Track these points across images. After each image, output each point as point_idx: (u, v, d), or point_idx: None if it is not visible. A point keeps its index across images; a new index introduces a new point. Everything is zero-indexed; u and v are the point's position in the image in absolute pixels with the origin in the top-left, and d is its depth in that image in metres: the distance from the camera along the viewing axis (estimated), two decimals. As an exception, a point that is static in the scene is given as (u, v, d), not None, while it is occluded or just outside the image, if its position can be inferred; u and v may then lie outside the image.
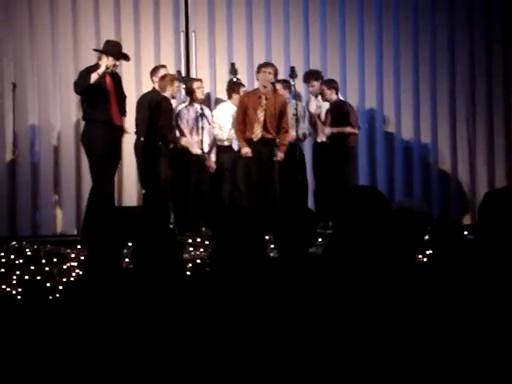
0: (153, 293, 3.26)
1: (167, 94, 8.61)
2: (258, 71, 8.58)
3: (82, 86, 8.12)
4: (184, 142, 8.77)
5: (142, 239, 3.45)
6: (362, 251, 2.59)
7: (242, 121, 8.49)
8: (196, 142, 8.80)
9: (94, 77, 8.10)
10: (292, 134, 8.71)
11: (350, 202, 2.67)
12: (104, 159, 8.20)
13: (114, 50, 8.33)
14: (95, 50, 8.59)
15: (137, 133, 8.87)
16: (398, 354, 2.48)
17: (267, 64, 8.67)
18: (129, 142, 9.29)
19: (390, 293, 2.55)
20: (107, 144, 8.22)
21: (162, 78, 8.71)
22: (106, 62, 8.17)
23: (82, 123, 8.53)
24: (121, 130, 8.52)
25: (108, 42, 8.51)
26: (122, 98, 8.52)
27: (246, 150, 8.46)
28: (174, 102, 8.83)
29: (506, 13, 10.40)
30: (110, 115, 8.25)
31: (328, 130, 9.03)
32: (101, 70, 8.14)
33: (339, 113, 9.01)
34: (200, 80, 9.09)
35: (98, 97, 8.16)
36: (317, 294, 2.58)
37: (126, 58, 8.52)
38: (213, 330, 2.80)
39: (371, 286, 2.56)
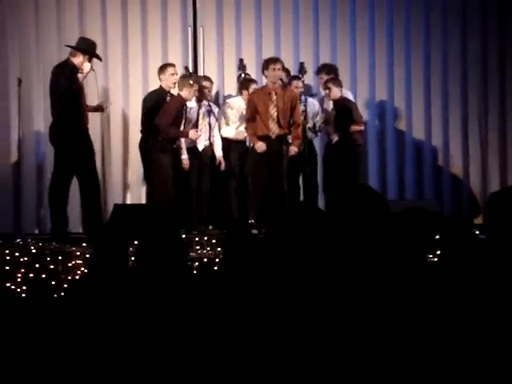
0: (158, 291, 3.22)
1: (182, 93, 8.49)
2: (266, 68, 8.45)
3: (70, 87, 7.98)
4: (191, 135, 8.67)
5: (146, 238, 3.41)
6: (358, 248, 2.58)
7: (252, 118, 8.40)
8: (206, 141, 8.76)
9: (80, 78, 8.02)
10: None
11: (343, 200, 2.65)
12: (74, 158, 8.11)
13: (91, 49, 8.23)
14: (72, 47, 8.32)
15: (142, 131, 8.82)
16: (408, 353, 2.45)
17: (275, 60, 8.55)
18: (134, 139, 9.26)
19: (401, 292, 2.53)
20: (80, 144, 8.14)
21: (184, 77, 8.62)
22: (83, 60, 8.06)
23: (49, 120, 8.37)
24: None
25: (84, 40, 8.38)
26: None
27: (260, 145, 8.36)
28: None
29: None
30: (82, 116, 8.17)
31: (335, 137, 9.01)
32: (86, 71, 8.05)
33: (343, 111, 8.95)
34: (210, 81, 9.00)
35: (75, 97, 8.05)
36: (323, 293, 2.55)
37: (99, 58, 8.40)
38: (219, 329, 2.78)
39: (381, 285, 2.53)
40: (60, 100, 8.07)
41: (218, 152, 8.93)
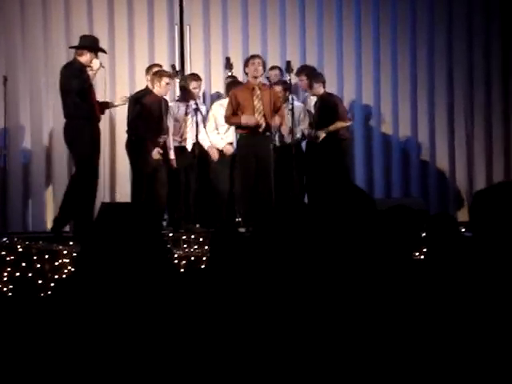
0: (145, 290, 3.21)
1: (155, 90, 8.49)
2: (246, 64, 8.63)
3: (82, 86, 7.98)
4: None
5: (127, 235, 3.40)
6: (344, 246, 2.59)
7: (233, 114, 8.42)
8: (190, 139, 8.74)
9: (91, 75, 8.03)
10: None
11: (328, 198, 2.66)
12: (92, 155, 8.14)
13: (96, 44, 8.25)
14: (78, 48, 8.27)
15: (128, 131, 8.81)
16: (395, 352, 2.46)
17: (254, 56, 8.69)
18: (121, 138, 9.24)
19: (387, 290, 2.54)
20: (94, 141, 8.16)
21: (154, 73, 8.62)
22: (90, 57, 8.06)
23: (63, 121, 8.37)
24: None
25: (86, 37, 8.39)
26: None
27: (247, 117, 8.34)
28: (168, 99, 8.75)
29: (505, 11, 10.34)
30: (95, 112, 8.18)
31: (321, 134, 8.96)
32: (96, 68, 8.04)
33: (327, 106, 8.96)
34: (198, 80, 8.96)
35: (87, 95, 8.04)
36: (310, 292, 2.55)
37: (104, 52, 8.47)
38: (207, 327, 2.77)
39: (368, 283, 2.53)
40: (73, 99, 8.05)
41: (207, 144, 8.88)
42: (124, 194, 9.62)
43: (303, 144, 9.26)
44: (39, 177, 9.49)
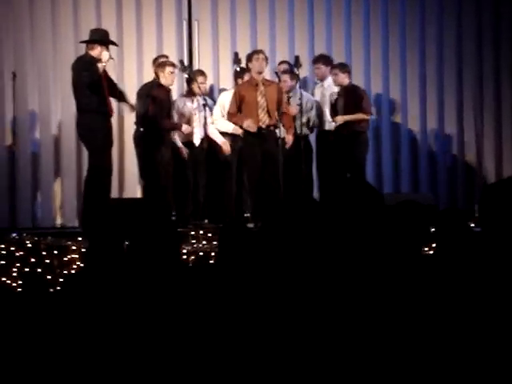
0: (154, 285, 3.21)
1: (161, 80, 8.52)
2: (250, 60, 8.57)
3: (92, 78, 7.98)
4: (185, 129, 8.67)
5: (142, 231, 3.40)
6: (353, 241, 2.58)
7: (237, 110, 8.42)
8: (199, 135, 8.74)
9: (101, 68, 8.04)
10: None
11: (338, 193, 2.65)
12: (105, 149, 8.15)
13: (106, 38, 8.26)
14: (88, 42, 8.27)
15: (136, 123, 8.82)
16: (404, 347, 2.45)
17: (258, 51, 8.67)
18: (129, 132, 9.25)
19: (396, 286, 2.52)
20: (106, 134, 8.18)
21: (153, 61, 8.65)
22: (101, 50, 8.07)
23: (74, 114, 8.38)
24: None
25: (97, 31, 8.39)
26: (113, 85, 8.38)
27: (249, 122, 8.34)
28: (174, 91, 8.76)
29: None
30: (107, 105, 8.18)
31: (340, 119, 8.93)
32: (105, 60, 8.06)
33: (352, 97, 8.93)
34: (204, 76, 8.97)
35: (98, 88, 8.05)
36: (319, 287, 2.54)
37: (115, 44, 8.49)
38: (215, 323, 2.77)
39: (377, 279, 2.52)
40: (84, 93, 8.06)
41: (220, 139, 8.88)
42: (132, 189, 9.63)
43: (312, 138, 9.24)
44: (48, 170, 9.49)
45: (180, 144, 8.72)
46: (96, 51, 8.12)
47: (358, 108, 8.93)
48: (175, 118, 8.73)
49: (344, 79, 8.96)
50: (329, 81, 9.18)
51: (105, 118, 8.18)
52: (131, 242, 3.47)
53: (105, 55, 8.12)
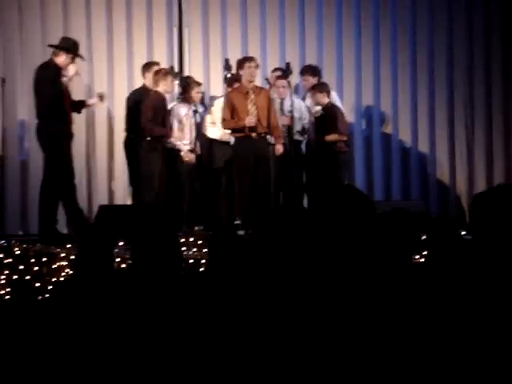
0: (145, 293, 3.20)
1: (160, 88, 8.50)
2: (241, 67, 8.51)
3: (54, 92, 7.91)
4: (174, 139, 8.66)
5: (143, 238, 3.39)
6: (344, 249, 2.58)
7: (231, 116, 8.40)
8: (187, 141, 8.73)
9: (65, 81, 7.99)
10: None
11: (328, 200, 2.65)
12: (62, 157, 8.08)
13: (74, 48, 8.15)
14: (54, 47, 8.19)
15: (126, 130, 8.81)
16: (395, 354, 2.46)
17: (250, 58, 8.62)
18: (119, 138, 9.24)
19: (387, 293, 2.54)
20: (66, 143, 8.11)
21: (156, 72, 8.61)
22: (66, 60, 8.00)
23: (33, 118, 8.31)
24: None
25: (66, 40, 8.30)
26: (72, 101, 8.33)
27: (248, 119, 8.31)
28: (168, 98, 8.74)
29: (506, 13, 10.32)
30: (68, 115, 8.10)
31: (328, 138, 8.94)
32: (71, 75, 8.01)
33: (328, 118, 8.90)
34: (199, 84, 8.96)
35: (61, 100, 7.98)
36: (309, 295, 2.54)
37: (82, 58, 8.35)
38: (206, 330, 2.78)
39: (368, 286, 2.53)
40: (46, 101, 7.99)
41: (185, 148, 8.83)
42: (122, 196, 9.60)
43: (302, 146, 9.24)
44: (37, 176, 9.44)
45: (185, 149, 8.68)
46: (61, 59, 8.05)
47: (333, 129, 8.89)
48: (175, 124, 8.70)
49: (322, 98, 8.93)
50: None
51: (64, 128, 8.08)
52: (136, 248, 3.45)
53: (71, 69, 8.06)
